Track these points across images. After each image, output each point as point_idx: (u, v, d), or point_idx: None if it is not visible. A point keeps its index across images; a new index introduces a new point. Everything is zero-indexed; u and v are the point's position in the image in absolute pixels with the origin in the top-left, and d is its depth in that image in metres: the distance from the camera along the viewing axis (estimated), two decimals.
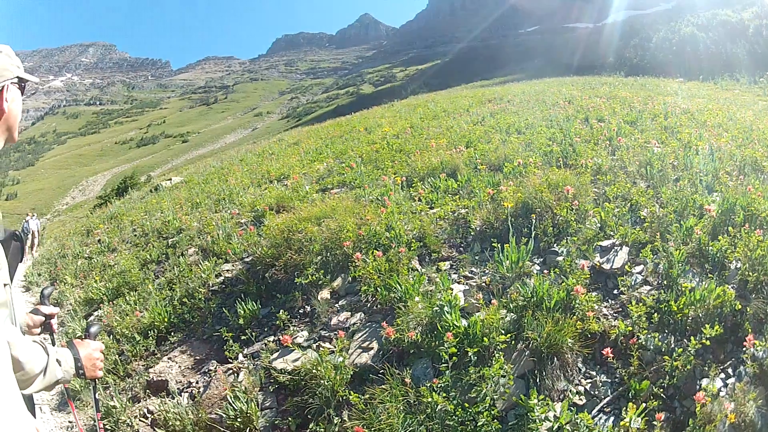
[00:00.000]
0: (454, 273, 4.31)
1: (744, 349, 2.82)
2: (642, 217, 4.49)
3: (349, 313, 4.16)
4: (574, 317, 3.30)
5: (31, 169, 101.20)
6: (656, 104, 10.45)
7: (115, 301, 6.72)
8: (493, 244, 4.32)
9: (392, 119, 15.78)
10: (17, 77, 1.64)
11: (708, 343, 2.94)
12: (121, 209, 14.97)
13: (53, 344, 1.94)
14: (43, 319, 2.00)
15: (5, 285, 1.40)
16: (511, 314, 3.49)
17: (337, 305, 4.34)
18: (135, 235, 10.19)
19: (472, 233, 4.88)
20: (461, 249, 4.70)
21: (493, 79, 36.38)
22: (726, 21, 29.19)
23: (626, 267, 3.85)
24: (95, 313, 6.85)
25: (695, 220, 4.08)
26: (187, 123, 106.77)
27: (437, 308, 3.49)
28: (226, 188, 10.76)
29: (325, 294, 4.52)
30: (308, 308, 4.47)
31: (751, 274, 3.36)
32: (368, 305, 4.20)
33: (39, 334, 2.02)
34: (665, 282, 3.58)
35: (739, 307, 3.12)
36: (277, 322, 4.38)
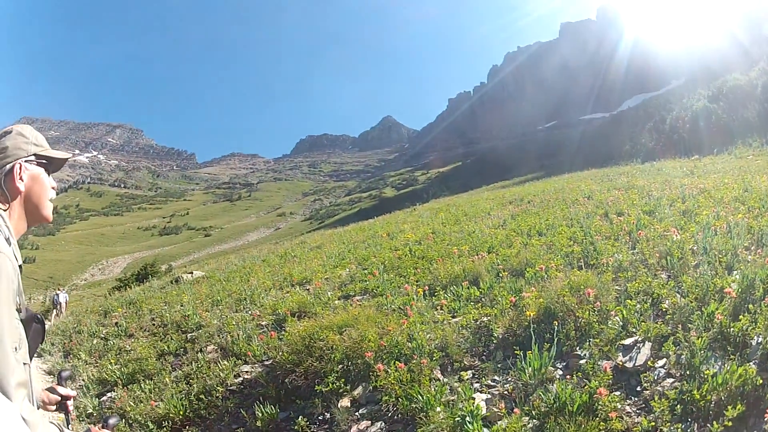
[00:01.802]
0: (477, 382, 4.52)
1: (765, 419, 2.99)
2: (664, 310, 4.73)
3: (370, 422, 4.35)
4: (597, 419, 3.47)
5: (51, 238, 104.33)
6: (673, 188, 10.97)
7: (129, 387, 7.04)
8: (516, 352, 4.57)
9: (414, 224, 16.49)
10: (34, 155, 1.74)
11: (730, 423, 3.10)
12: (141, 296, 15.53)
13: (68, 425, 2.03)
14: (59, 399, 2.09)
15: (25, 364, 1.47)
16: (534, 421, 3.67)
17: (357, 413, 4.54)
18: (153, 324, 10.59)
19: (494, 341, 5.13)
20: (484, 357, 4.94)
21: (513, 179, 37.78)
22: (735, 86, 30.38)
23: (649, 363, 4.04)
24: (108, 395, 7.11)
25: (716, 305, 4.32)
26: (210, 217, 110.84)
27: (459, 418, 3.70)
28: (248, 288, 11.16)
29: (345, 402, 4.73)
30: (328, 415, 4.68)
31: None
32: (389, 414, 4.39)
33: (53, 411, 2.13)
34: (688, 372, 3.76)
35: (761, 381, 3.32)
36: (296, 428, 4.57)
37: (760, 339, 3.75)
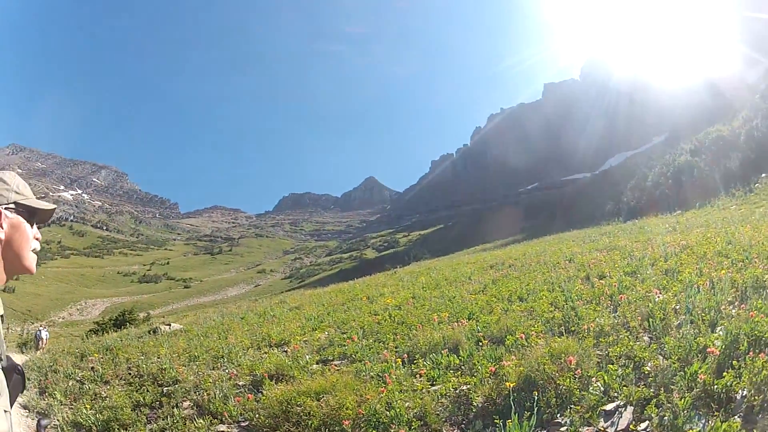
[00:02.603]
0: None
1: None
2: (646, 372, 4.81)
3: None
4: None
5: None
6: (656, 247, 11.27)
7: None
8: (495, 421, 4.55)
9: (394, 288, 16.55)
10: (14, 203, 1.74)
11: None
12: (118, 343, 15.10)
13: None
14: None
15: (6, 412, 1.46)
16: None
17: None
18: (129, 374, 10.36)
19: (474, 410, 5.10)
20: (463, 427, 4.89)
21: (495, 242, 38.27)
22: (718, 137, 31.50)
23: (631, 426, 4.07)
24: None
25: (699, 364, 4.41)
26: (190, 269, 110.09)
27: None
28: (226, 346, 10.96)
29: None
30: None
31: (756, 397, 3.67)
32: None
33: None
34: None
35: None
36: None
37: (745, 392, 3.84)
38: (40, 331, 25.49)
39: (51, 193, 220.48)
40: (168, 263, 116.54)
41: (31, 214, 1.80)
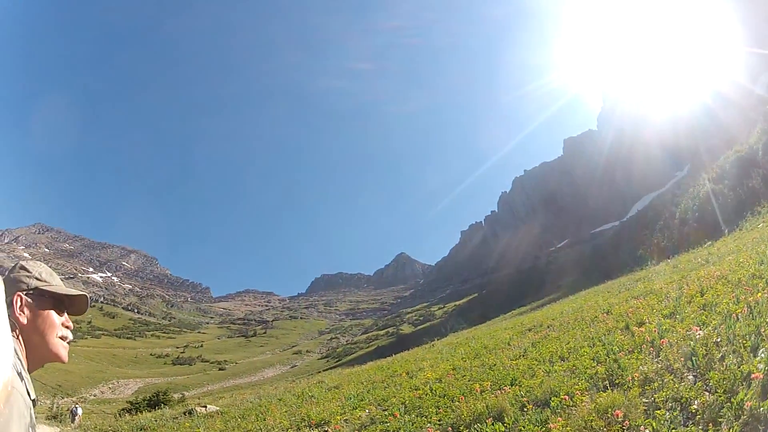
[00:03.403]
0: None
1: None
2: (693, 411, 4.73)
3: None
4: None
5: None
6: (691, 284, 11.09)
7: None
8: None
9: (434, 361, 16.29)
10: (36, 288, 1.83)
11: None
12: (153, 423, 14.93)
13: None
14: None
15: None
16: None
17: None
18: None
19: None
20: None
21: (531, 304, 37.54)
22: (737, 158, 30.95)
23: None
24: None
25: (744, 392, 4.39)
26: (224, 351, 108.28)
27: None
28: (264, 428, 10.78)
29: None
30: None
31: None
32: None
33: None
34: None
35: None
36: None
37: None
38: (76, 407, 27.21)
39: (80, 275, 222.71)
40: (202, 346, 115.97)
41: (58, 302, 1.92)
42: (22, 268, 1.88)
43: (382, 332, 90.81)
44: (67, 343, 1.93)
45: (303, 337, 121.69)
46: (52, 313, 1.86)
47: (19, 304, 1.79)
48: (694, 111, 64.76)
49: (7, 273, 1.88)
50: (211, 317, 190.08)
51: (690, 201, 30.78)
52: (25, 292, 1.81)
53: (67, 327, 1.94)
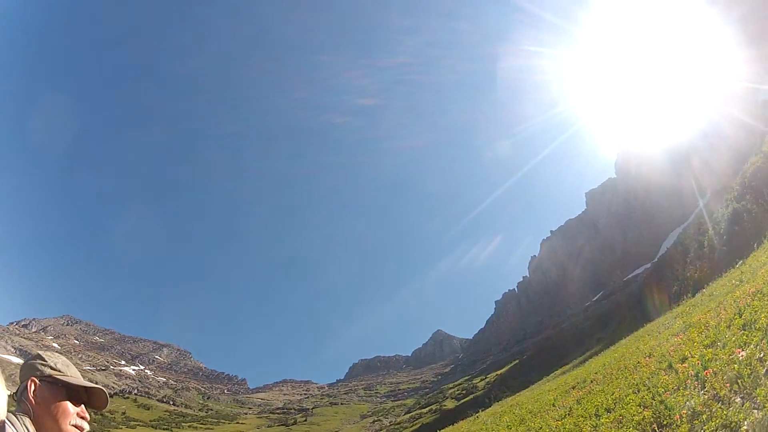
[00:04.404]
0: None
1: None
2: None
3: None
4: None
5: None
6: (727, 307, 10.71)
7: None
8: None
9: None
10: (49, 376, 1.99)
11: None
12: None
13: None
14: None
15: None
16: None
17: None
18: None
19: None
20: None
21: (573, 362, 36.01)
22: (755, 170, 29.61)
23: None
24: None
25: None
26: None
27: None
28: None
29: None
30: None
31: None
32: None
33: None
34: None
35: None
36: None
37: None
38: None
39: (112, 367, 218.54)
40: None
41: (73, 392, 2.05)
42: (39, 357, 2.07)
43: (425, 410, 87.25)
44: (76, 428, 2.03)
45: (345, 422, 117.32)
46: (67, 402, 2.00)
47: (32, 388, 1.96)
48: (705, 134, 64.43)
49: (27, 360, 2.07)
50: (249, 408, 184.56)
51: (716, 225, 29.98)
52: (39, 379, 1.98)
53: (82, 417, 2.06)
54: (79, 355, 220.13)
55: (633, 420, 7.19)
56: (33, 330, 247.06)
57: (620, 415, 7.99)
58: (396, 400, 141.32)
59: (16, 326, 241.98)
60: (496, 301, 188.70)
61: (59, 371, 2.05)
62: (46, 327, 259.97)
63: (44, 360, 2.05)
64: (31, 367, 2.03)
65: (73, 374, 2.09)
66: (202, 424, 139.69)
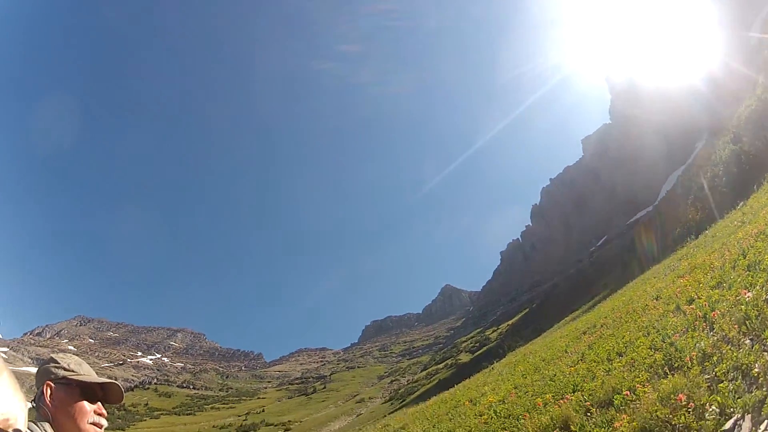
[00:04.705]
0: None
1: None
2: (755, 375, 4.55)
3: None
4: None
5: None
6: (731, 248, 10.83)
7: None
8: None
9: (495, 384, 16.06)
10: (64, 378, 2.00)
11: None
12: None
13: None
14: None
15: None
16: None
17: None
18: None
19: None
20: None
21: (582, 308, 36.48)
22: (751, 114, 29.52)
23: None
24: None
25: None
26: (287, 412, 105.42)
27: None
28: None
29: None
30: None
31: None
32: None
33: None
34: None
35: None
36: None
37: None
38: None
39: (129, 360, 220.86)
40: (263, 410, 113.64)
41: (89, 390, 2.07)
42: (52, 360, 2.07)
43: (441, 365, 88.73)
44: (102, 430, 2.07)
45: (363, 385, 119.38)
46: (83, 401, 2.01)
47: (49, 392, 1.96)
48: (700, 77, 63.28)
49: (40, 365, 2.08)
50: (269, 381, 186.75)
51: (714, 167, 29.88)
52: (54, 382, 1.98)
53: (100, 414, 2.07)
54: (96, 353, 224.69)
55: (645, 363, 7.33)
56: (47, 336, 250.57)
57: (632, 359, 8.16)
58: (411, 358, 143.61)
59: (30, 336, 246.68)
60: (501, 252, 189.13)
61: (72, 371, 2.06)
62: (60, 331, 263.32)
63: (57, 362, 2.07)
64: (45, 371, 2.04)
65: (86, 372, 2.11)
66: (223, 404, 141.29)
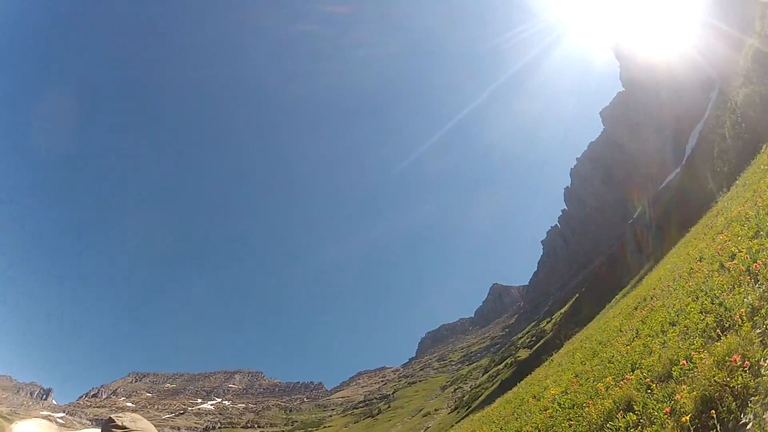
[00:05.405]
0: None
1: None
2: None
3: None
4: None
5: None
6: (762, 194, 10.62)
7: None
8: None
9: (556, 376, 15.89)
10: None
11: None
12: None
13: None
14: None
15: None
16: None
17: None
18: None
19: None
20: None
21: (630, 283, 35.53)
22: (755, 50, 28.69)
23: None
24: None
25: None
26: None
27: None
28: None
29: None
30: None
31: None
32: None
33: None
34: None
35: None
36: None
37: None
38: None
39: (189, 408, 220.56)
40: None
41: None
42: (110, 420, 2.20)
43: (501, 366, 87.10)
44: None
45: (427, 398, 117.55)
46: None
47: None
48: (702, 26, 61.45)
49: (101, 426, 2.23)
50: (332, 409, 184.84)
51: (731, 115, 28.93)
52: None
53: None
54: (155, 406, 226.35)
55: (697, 328, 7.16)
56: (104, 397, 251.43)
57: (685, 326, 7.97)
58: (471, 364, 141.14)
59: (86, 398, 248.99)
60: (541, 242, 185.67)
61: (125, 428, 2.15)
62: (116, 390, 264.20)
63: (113, 421, 2.18)
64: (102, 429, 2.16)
65: (142, 427, 2.19)
66: None
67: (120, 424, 2.18)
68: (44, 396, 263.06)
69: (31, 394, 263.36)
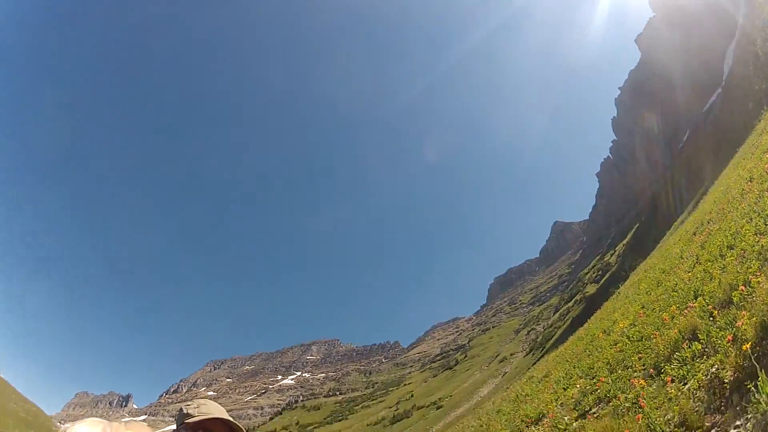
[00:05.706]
0: None
1: None
2: None
3: None
4: None
5: None
6: None
7: None
8: (748, 387, 4.06)
9: (623, 309, 15.57)
10: (183, 423, 2.12)
11: None
12: None
13: None
14: None
15: None
16: None
17: None
18: None
19: (727, 387, 4.57)
20: (722, 409, 4.37)
21: (687, 208, 33.48)
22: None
23: None
24: None
25: None
26: (435, 391, 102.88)
27: None
28: None
29: None
30: None
31: None
32: None
33: None
34: None
35: None
36: None
37: None
38: None
39: (270, 386, 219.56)
40: (412, 396, 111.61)
41: (209, 428, 2.17)
42: (180, 410, 2.20)
43: (570, 303, 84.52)
44: None
45: (502, 343, 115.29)
46: None
47: None
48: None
49: (176, 419, 2.26)
50: (411, 366, 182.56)
51: (761, 32, 26.23)
52: (178, 429, 2.14)
53: None
54: (237, 390, 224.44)
55: (754, 251, 6.92)
56: (184, 391, 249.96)
57: (742, 249, 7.71)
58: (541, 304, 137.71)
59: (167, 396, 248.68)
60: (596, 174, 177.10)
61: (189, 415, 2.11)
62: (195, 381, 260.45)
63: (182, 411, 2.15)
64: (176, 422, 2.14)
65: (205, 412, 2.12)
66: (372, 400, 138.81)
67: (185, 411, 2.16)
68: (124, 403, 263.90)
69: (110, 403, 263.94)
